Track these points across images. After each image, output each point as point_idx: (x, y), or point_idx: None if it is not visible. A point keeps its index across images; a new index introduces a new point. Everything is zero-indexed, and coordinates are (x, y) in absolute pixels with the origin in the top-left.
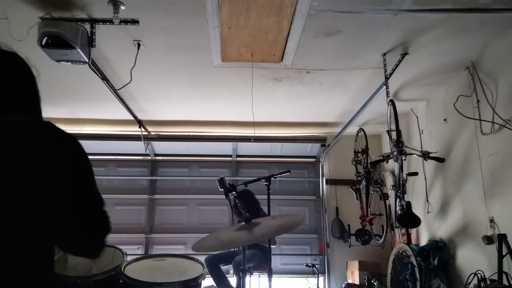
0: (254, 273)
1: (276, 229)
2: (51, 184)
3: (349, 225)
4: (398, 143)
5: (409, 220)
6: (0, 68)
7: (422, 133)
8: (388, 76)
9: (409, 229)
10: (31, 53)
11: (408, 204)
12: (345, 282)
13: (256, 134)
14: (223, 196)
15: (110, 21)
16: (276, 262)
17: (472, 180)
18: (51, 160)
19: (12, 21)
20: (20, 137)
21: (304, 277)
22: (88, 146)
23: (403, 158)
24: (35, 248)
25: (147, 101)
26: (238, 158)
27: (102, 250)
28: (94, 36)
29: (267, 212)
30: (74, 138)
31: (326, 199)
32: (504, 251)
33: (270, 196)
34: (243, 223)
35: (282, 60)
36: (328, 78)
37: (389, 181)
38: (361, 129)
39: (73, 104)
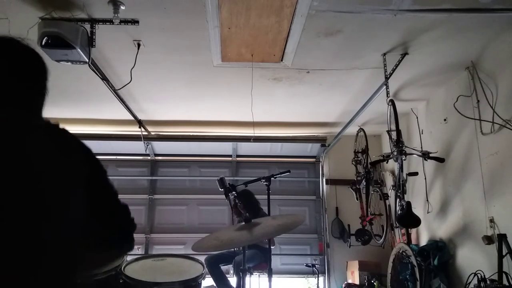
0: (254, 273)
1: (276, 229)
2: (67, 185)
3: (349, 225)
4: (398, 143)
5: (409, 220)
6: (13, 65)
7: (422, 133)
8: (388, 76)
9: (409, 229)
10: None
11: (408, 204)
12: (345, 282)
13: (255, 134)
14: (223, 196)
15: (110, 21)
16: (276, 262)
17: (472, 180)
18: (66, 162)
19: (12, 21)
20: (36, 139)
21: (304, 277)
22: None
23: (403, 158)
24: (46, 249)
25: (147, 101)
26: (238, 158)
27: (132, 241)
28: (94, 36)
29: (267, 212)
30: (83, 143)
31: (326, 199)
32: (504, 251)
33: (270, 196)
34: (243, 223)
35: (282, 60)
36: (328, 78)
37: (389, 181)
38: (361, 129)
39: (73, 104)
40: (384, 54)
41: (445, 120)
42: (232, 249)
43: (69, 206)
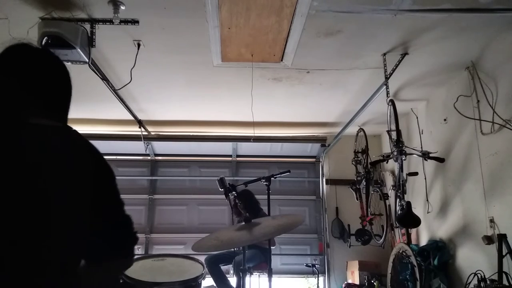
0: (254, 273)
1: (276, 229)
2: (74, 188)
3: (349, 225)
4: (398, 143)
5: (409, 220)
6: (32, 69)
7: (422, 133)
8: (388, 76)
9: (409, 229)
10: None
11: (408, 204)
12: (345, 282)
13: (255, 134)
14: (223, 196)
15: (110, 21)
16: (276, 262)
17: (472, 180)
18: (74, 166)
19: (12, 21)
20: (45, 141)
21: (304, 277)
22: None
23: (403, 158)
24: (46, 248)
25: (147, 101)
26: (238, 158)
27: (131, 258)
28: (94, 36)
29: (267, 212)
30: (95, 147)
31: (326, 199)
32: (504, 251)
33: (270, 196)
34: (243, 223)
35: (282, 60)
36: (328, 78)
37: (389, 181)
38: (361, 129)
39: (73, 104)
40: (384, 54)
41: (445, 120)
42: (232, 249)
43: (73, 208)
